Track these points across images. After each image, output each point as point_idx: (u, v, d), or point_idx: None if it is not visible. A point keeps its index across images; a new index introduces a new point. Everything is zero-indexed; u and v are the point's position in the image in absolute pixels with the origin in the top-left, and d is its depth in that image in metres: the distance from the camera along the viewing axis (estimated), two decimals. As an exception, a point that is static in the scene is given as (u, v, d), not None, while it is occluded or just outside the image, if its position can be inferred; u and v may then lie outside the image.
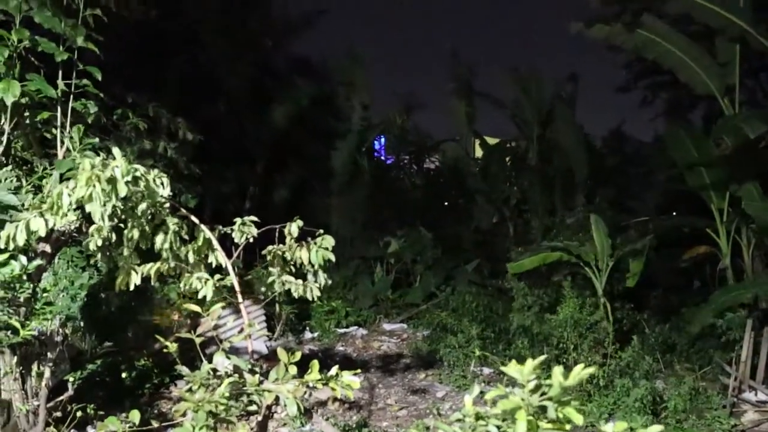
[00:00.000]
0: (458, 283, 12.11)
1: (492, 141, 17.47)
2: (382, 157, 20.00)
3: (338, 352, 10.09)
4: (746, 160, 8.84)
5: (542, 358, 2.89)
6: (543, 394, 2.88)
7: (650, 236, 9.23)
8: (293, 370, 3.67)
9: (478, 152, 18.20)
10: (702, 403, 6.86)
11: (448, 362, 8.72)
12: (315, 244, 5.30)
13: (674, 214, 11.31)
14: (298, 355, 3.73)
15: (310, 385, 3.68)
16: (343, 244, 13.62)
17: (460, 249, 13.97)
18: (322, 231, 5.42)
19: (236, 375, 3.62)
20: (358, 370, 3.85)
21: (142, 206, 4.35)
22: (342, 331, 11.22)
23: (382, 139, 19.51)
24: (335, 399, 7.54)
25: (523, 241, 12.43)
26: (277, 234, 5.29)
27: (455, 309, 10.44)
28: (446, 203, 17.78)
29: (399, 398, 7.87)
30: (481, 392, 3.03)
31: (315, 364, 3.62)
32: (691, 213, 9.96)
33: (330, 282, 5.59)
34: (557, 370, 2.90)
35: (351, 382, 3.77)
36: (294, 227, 5.20)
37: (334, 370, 3.73)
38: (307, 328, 11.09)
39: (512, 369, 2.91)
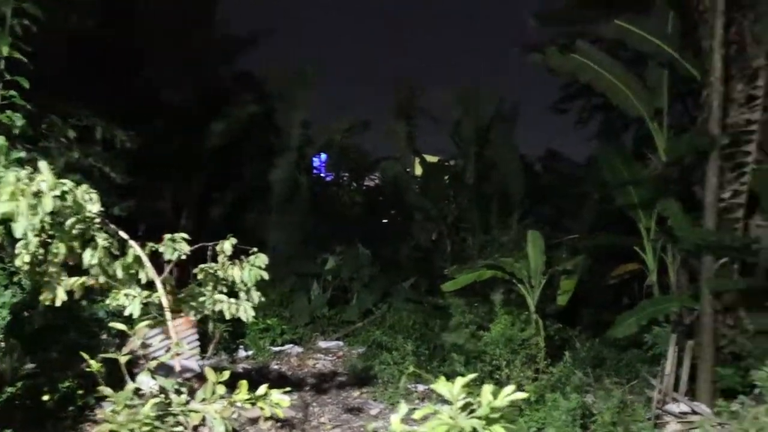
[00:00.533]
0: (395, 300, 12.15)
1: (432, 159, 17.68)
2: (322, 174, 19.99)
3: (272, 371, 9.95)
4: (671, 179, 9.23)
5: (472, 376, 2.92)
6: (472, 411, 2.91)
7: (582, 256, 9.49)
8: (221, 389, 3.61)
9: (419, 170, 18.38)
10: (629, 416, 7.04)
11: (383, 379, 8.72)
12: (248, 262, 5.23)
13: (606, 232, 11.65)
14: (226, 374, 3.67)
15: (238, 404, 3.61)
16: (280, 261, 13.51)
17: (398, 266, 14.04)
18: (255, 249, 5.36)
19: (162, 395, 3.53)
20: (288, 389, 3.80)
21: (70, 221, 4.22)
22: (277, 349, 11.08)
23: (323, 156, 19.52)
24: (268, 417, 7.41)
25: (459, 259, 12.57)
26: (209, 252, 5.21)
27: (391, 326, 10.48)
28: (385, 221, 17.86)
29: (333, 416, 7.82)
30: (414, 409, 3.04)
31: (243, 383, 3.56)
32: (622, 231, 10.29)
33: (263, 300, 5.53)
34: (486, 389, 2.94)
35: (280, 400, 3.73)
36: (227, 245, 5.13)
37: (262, 389, 3.68)
38: (242, 346, 10.90)
39: (442, 387, 2.94)
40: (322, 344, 11.65)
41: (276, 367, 10.26)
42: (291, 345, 11.39)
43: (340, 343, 11.66)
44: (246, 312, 5.01)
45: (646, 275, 9.96)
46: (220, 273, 5.19)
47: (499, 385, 7.80)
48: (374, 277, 13.13)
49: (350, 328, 12.08)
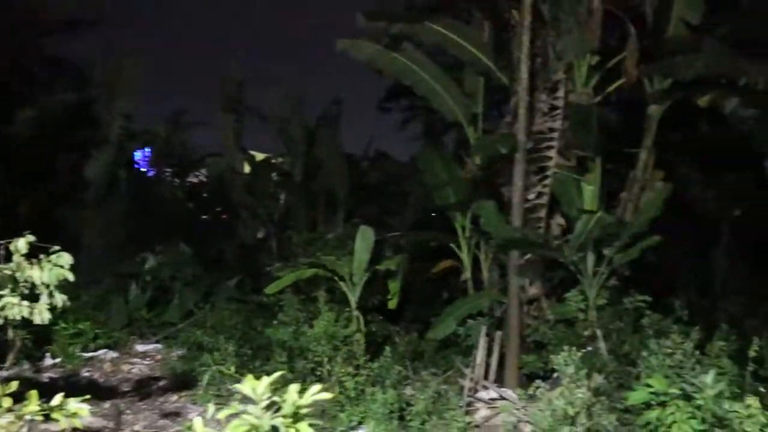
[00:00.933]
0: (218, 299, 11.82)
1: (260, 156, 17.45)
2: (143, 170, 18.97)
3: (83, 378, 9.29)
4: (484, 180, 9.82)
5: (277, 374, 2.90)
6: (279, 410, 2.88)
7: (404, 255, 9.80)
8: (7, 402, 3.28)
9: (248, 168, 18.05)
10: (443, 405, 7.38)
11: (204, 382, 8.45)
12: (49, 261, 4.82)
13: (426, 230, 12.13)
14: (14, 385, 3.35)
15: (28, 417, 3.31)
16: (96, 260, 12.62)
17: (222, 265, 13.68)
18: (58, 248, 4.96)
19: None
20: (87, 396, 3.54)
21: None
22: (89, 355, 10.35)
23: (146, 151, 18.53)
24: (76, 430, 6.90)
25: (285, 257, 12.50)
26: (0, 251, 4.74)
27: (213, 326, 10.17)
28: (210, 218, 17.34)
29: (148, 423, 7.45)
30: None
31: (33, 394, 3.27)
32: (441, 229, 10.79)
33: (70, 303, 5.14)
34: (292, 388, 2.92)
35: (78, 409, 3.47)
36: (21, 243, 4.69)
37: (57, 398, 3.40)
38: (48, 353, 10.04)
39: (246, 386, 2.87)
40: (140, 348, 11.05)
41: (87, 374, 9.59)
42: (105, 350, 10.69)
43: (159, 345, 11.14)
44: (41, 315, 4.60)
45: (462, 271, 10.53)
46: (18, 274, 4.74)
47: (321, 381, 7.90)
48: (197, 277, 12.68)
49: (170, 330, 11.56)
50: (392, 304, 9.14)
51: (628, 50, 8.39)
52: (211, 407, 2.87)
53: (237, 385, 2.86)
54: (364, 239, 9.16)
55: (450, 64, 10.76)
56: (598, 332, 7.66)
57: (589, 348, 7.75)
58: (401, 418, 6.99)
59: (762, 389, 5.46)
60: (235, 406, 2.83)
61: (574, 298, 8.23)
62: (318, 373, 7.98)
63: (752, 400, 4.27)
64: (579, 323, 8.11)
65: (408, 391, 8.06)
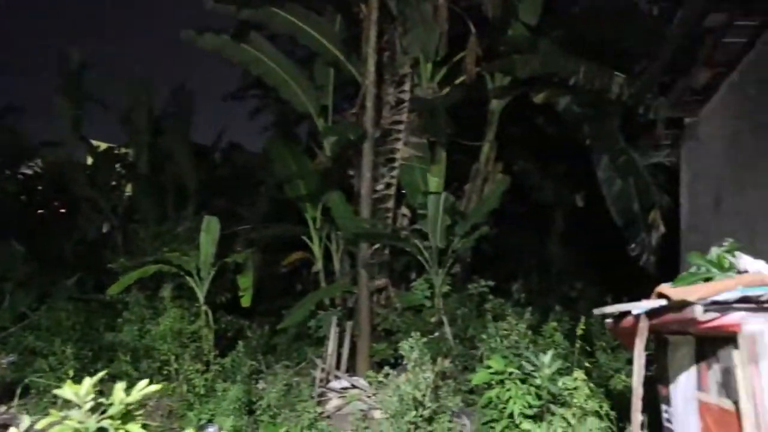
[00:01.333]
0: (56, 300, 11.00)
1: (103, 146, 16.41)
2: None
3: None
4: (334, 172, 9.88)
5: (101, 374, 2.75)
6: (105, 412, 2.74)
7: (253, 248, 9.63)
8: None
9: (90, 159, 16.91)
10: (295, 397, 7.38)
11: (38, 389, 7.85)
12: None
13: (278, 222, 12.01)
14: None
15: None
16: None
17: (60, 262, 12.75)
18: None
19: None
20: None
21: None
22: None
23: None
24: None
25: (131, 252, 11.88)
26: None
27: (48, 329, 9.47)
28: (47, 213, 16.10)
29: (-28, 438, 6.80)
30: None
31: None
32: (293, 222, 10.73)
33: None
34: (118, 387, 2.79)
35: None
36: None
37: None
38: None
39: (67, 391, 2.71)
40: (-36, 356, 10.04)
41: None
42: None
43: (-13, 352, 10.19)
44: None
45: (314, 263, 10.55)
46: None
47: (168, 380, 7.61)
48: (31, 276, 11.73)
49: (0, 336, 10.60)
50: (245, 301, 8.90)
51: (469, 48, 8.78)
52: (26, 418, 2.67)
53: (57, 390, 2.68)
54: (209, 231, 8.87)
55: (301, 56, 10.71)
56: (444, 318, 7.97)
57: (436, 334, 8.07)
58: (252, 412, 6.90)
59: (587, 364, 5.93)
60: (55, 413, 2.66)
61: (419, 287, 8.53)
62: (165, 372, 7.68)
63: (578, 374, 4.64)
64: (426, 310, 8.42)
65: (260, 385, 7.98)
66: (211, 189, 14.76)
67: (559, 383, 4.96)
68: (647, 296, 7.46)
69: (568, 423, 4.54)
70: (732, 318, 2.40)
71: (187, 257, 8.64)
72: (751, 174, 7.47)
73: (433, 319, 8.24)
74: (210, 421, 6.85)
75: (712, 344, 2.70)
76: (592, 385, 4.73)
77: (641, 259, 8.19)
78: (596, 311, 3.26)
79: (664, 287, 2.76)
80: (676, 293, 2.59)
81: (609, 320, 3.32)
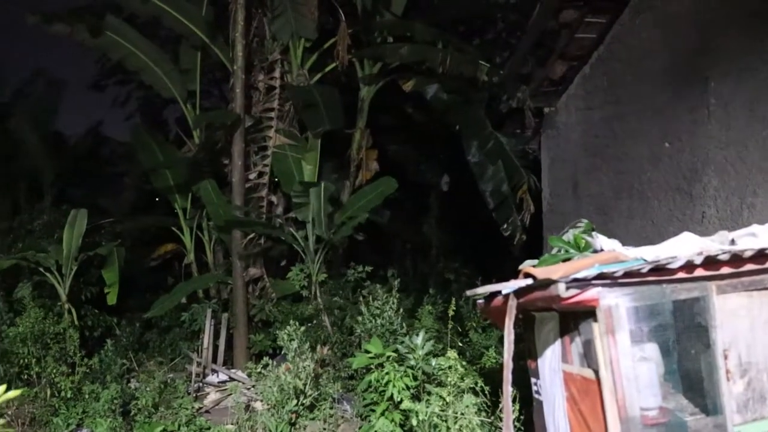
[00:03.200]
0: None
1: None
2: None
3: None
4: (205, 160, 9.59)
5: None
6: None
7: (116, 242, 9.14)
8: None
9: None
10: (171, 394, 7.14)
11: None
12: None
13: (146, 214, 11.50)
14: None
15: None
16: None
17: None
18: None
19: None
20: None
21: None
22: None
23: None
24: None
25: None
26: None
27: None
28: None
29: None
30: None
31: None
32: (162, 213, 10.32)
33: None
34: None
35: None
36: None
37: None
38: None
39: None
40: None
41: None
42: None
43: None
44: None
45: (186, 255, 10.23)
46: None
47: (29, 385, 7.11)
48: None
49: None
50: (111, 298, 8.44)
51: (340, 35, 8.79)
52: None
53: None
54: (74, 225, 8.35)
55: (167, 39, 10.25)
56: (322, 306, 8.00)
57: (314, 322, 8.09)
58: (126, 413, 6.62)
59: (460, 344, 6.19)
60: None
61: (295, 276, 8.50)
62: (25, 376, 7.17)
63: (452, 353, 4.84)
64: (304, 299, 8.42)
65: (133, 384, 7.65)
66: (71, 180, 13.85)
67: (433, 363, 5.15)
68: (515, 276, 7.86)
69: (445, 401, 4.73)
70: (591, 293, 2.61)
71: (44, 253, 8.06)
72: (603, 160, 8.07)
73: (310, 308, 8.24)
74: (79, 425, 6.51)
75: (574, 319, 2.92)
76: (465, 363, 4.94)
77: (514, 238, 8.60)
78: (468, 293, 3.41)
79: (529, 267, 2.94)
80: (540, 273, 2.78)
81: (480, 301, 3.50)
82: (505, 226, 8.55)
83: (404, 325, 6.01)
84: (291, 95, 8.81)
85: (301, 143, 8.97)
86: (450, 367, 4.78)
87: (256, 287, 8.87)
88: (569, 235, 4.71)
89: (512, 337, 2.92)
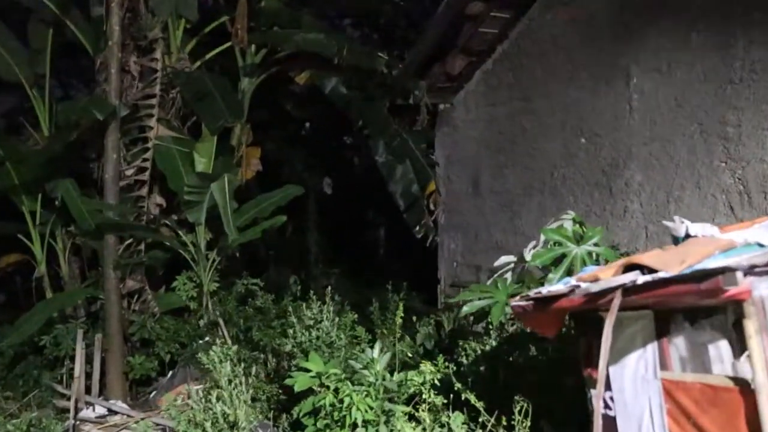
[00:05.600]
0: None
1: None
2: None
3: None
4: (61, 155, 8.13)
5: None
6: None
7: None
8: None
9: None
10: (39, 437, 5.82)
11: None
12: None
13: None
14: None
15: None
16: None
17: None
18: None
19: None
20: None
21: None
22: None
23: None
24: None
25: None
26: None
27: None
28: None
29: None
30: None
31: None
32: (5, 217, 8.62)
33: None
34: None
35: None
36: None
37: None
38: None
39: None
40: None
41: None
42: None
43: None
44: None
45: (35, 266, 8.61)
46: None
47: None
48: None
49: None
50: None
51: (239, 13, 7.85)
52: None
53: None
54: None
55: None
56: (220, 320, 7.01)
57: (206, 339, 7.10)
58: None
59: (410, 354, 5.60)
60: None
61: (183, 286, 7.45)
62: None
63: (426, 365, 4.22)
64: (194, 313, 7.37)
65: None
66: None
67: (394, 377, 4.54)
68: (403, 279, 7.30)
69: (419, 422, 4.12)
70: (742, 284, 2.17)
71: None
72: (509, 157, 7.92)
73: (201, 322, 7.23)
74: None
75: (672, 317, 2.49)
76: (450, 375, 4.31)
77: (426, 240, 8.21)
78: (532, 293, 2.85)
79: (639, 258, 2.47)
80: (656, 263, 2.31)
81: (521, 303, 2.96)
82: (417, 228, 8.13)
83: (343, 337, 5.28)
84: (179, 82, 7.70)
85: (185, 135, 7.87)
86: (423, 383, 4.17)
87: (133, 301, 7.62)
88: (565, 227, 4.35)
89: (609, 343, 2.43)
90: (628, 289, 2.33)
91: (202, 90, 7.38)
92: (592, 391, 2.85)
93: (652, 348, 2.57)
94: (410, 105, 8.65)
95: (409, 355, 5.45)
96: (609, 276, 2.58)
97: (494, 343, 4.74)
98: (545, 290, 2.85)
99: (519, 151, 7.78)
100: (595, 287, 2.37)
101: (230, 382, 4.60)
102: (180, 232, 7.24)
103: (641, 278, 2.27)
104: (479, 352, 4.72)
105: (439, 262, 8.94)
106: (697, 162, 5.79)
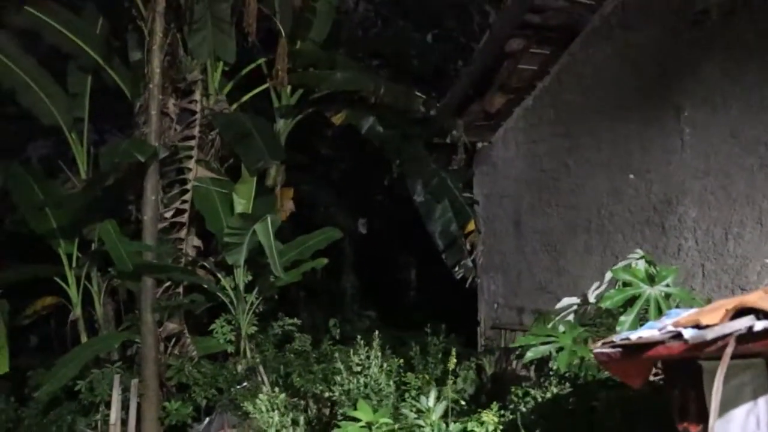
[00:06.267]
0: None
1: None
2: None
3: None
4: (100, 199, 8.10)
5: None
6: None
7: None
8: None
9: None
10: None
11: None
12: None
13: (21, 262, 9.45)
14: None
15: None
16: None
17: None
18: None
19: None
20: None
21: None
22: None
23: None
24: None
25: None
26: None
27: None
28: None
29: None
30: None
31: None
32: (41, 260, 8.56)
33: None
34: None
35: None
36: None
37: None
38: None
39: None
40: None
41: None
42: None
43: None
44: None
45: (70, 309, 8.51)
46: None
47: None
48: None
49: None
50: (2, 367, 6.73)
51: (279, 55, 7.83)
52: None
53: None
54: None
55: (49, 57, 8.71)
56: (260, 366, 6.81)
57: (245, 384, 6.91)
58: None
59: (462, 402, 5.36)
60: None
61: (221, 329, 7.28)
62: None
63: (487, 415, 4.00)
64: (231, 356, 7.19)
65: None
66: None
67: (451, 428, 4.31)
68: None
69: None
70: None
71: None
72: (551, 195, 7.72)
73: (240, 367, 7.04)
74: None
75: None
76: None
77: (466, 281, 8.01)
78: (631, 335, 2.63)
79: (754, 301, 2.26)
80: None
81: (606, 350, 2.74)
82: (456, 268, 7.93)
83: (391, 383, 5.06)
84: (219, 123, 7.66)
85: (224, 176, 7.80)
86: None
87: (169, 345, 7.46)
88: (638, 267, 4.14)
89: (719, 396, 2.21)
90: (742, 336, 2.12)
91: (242, 131, 7.33)
92: (690, 447, 2.60)
93: (764, 401, 2.34)
94: (448, 143, 8.54)
95: (456, 401, 5.18)
96: (711, 320, 2.37)
97: (555, 390, 4.49)
98: (634, 336, 2.63)
99: (562, 188, 7.58)
100: (711, 334, 2.16)
101: (278, 432, 4.37)
102: (219, 275, 7.11)
103: (759, 324, 2.07)
104: (539, 399, 4.47)
105: (479, 304, 8.71)
106: (757, 196, 5.56)
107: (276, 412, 4.58)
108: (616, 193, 6.91)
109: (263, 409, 4.61)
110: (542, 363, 4.60)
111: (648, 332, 2.63)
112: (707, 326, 2.31)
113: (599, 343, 2.93)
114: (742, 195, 5.70)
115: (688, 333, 2.33)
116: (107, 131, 10.92)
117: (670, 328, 2.51)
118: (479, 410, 4.71)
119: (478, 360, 7.79)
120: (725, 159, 5.84)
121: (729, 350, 2.16)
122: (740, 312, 2.29)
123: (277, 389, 6.51)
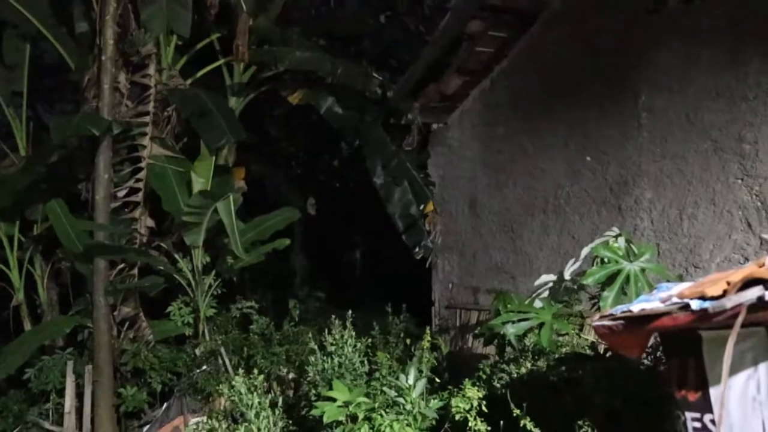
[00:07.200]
0: None
1: None
2: None
3: None
4: (43, 177, 7.70)
5: None
6: None
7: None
8: None
9: None
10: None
11: None
12: None
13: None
14: None
15: None
16: None
17: None
18: None
19: None
20: None
21: None
22: None
23: None
24: None
25: None
26: None
27: None
28: None
29: None
30: None
31: None
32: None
33: None
34: None
35: None
36: None
37: None
38: None
39: None
40: None
41: None
42: None
43: None
44: None
45: (12, 295, 8.10)
46: None
47: None
48: None
49: None
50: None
51: (240, 30, 7.59)
52: None
53: None
54: None
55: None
56: (222, 348, 6.67)
57: (204, 367, 6.76)
58: None
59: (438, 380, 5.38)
60: None
61: (179, 312, 7.10)
62: None
63: (471, 390, 4.04)
64: (189, 340, 7.02)
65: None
66: None
67: (432, 404, 4.34)
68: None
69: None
70: None
71: None
72: (509, 176, 7.83)
73: (198, 351, 6.87)
74: None
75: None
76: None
77: (426, 261, 8.05)
78: (645, 305, 2.69)
79: (760, 271, 2.35)
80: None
81: (605, 323, 2.82)
82: (417, 249, 7.95)
83: (365, 363, 5.05)
84: (175, 100, 7.39)
85: (179, 154, 7.54)
86: (470, 408, 3.98)
87: (124, 329, 7.20)
88: (618, 244, 4.24)
89: (729, 363, 2.30)
90: (752, 306, 2.22)
91: (201, 108, 7.10)
92: (687, 414, 2.71)
93: (765, 367, 2.46)
94: (402, 125, 8.54)
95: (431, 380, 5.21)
96: (715, 291, 2.46)
97: (529, 365, 4.58)
98: (636, 308, 2.71)
99: (519, 170, 7.70)
100: (729, 303, 2.25)
101: (257, 415, 4.30)
102: (176, 256, 6.91)
103: (748, 295, 2.17)
104: (515, 375, 4.55)
105: (433, 284, 8.78)
106: (711, 179, 5.79)
107: (255, 394, 4.49)
108: (573, 174, 7.06)
109: (242, 391, 4.51)
110: (492, 339, 4.68)
111: (649, 304, 2.71)
112: (717, 297, 2.41)
113: (597, 316, 3.01)
114: (697, 177, 5.91)
115: (699, 304, 2.42)
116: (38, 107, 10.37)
117: (676, 299, 2.60)
118: (449, 387, 4.79)
119: (433, 339, 7.87)
120: (681, 143, 6.03)
121: (740, 319, 2.25)
122: (747, 283, 2.39)
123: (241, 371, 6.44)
